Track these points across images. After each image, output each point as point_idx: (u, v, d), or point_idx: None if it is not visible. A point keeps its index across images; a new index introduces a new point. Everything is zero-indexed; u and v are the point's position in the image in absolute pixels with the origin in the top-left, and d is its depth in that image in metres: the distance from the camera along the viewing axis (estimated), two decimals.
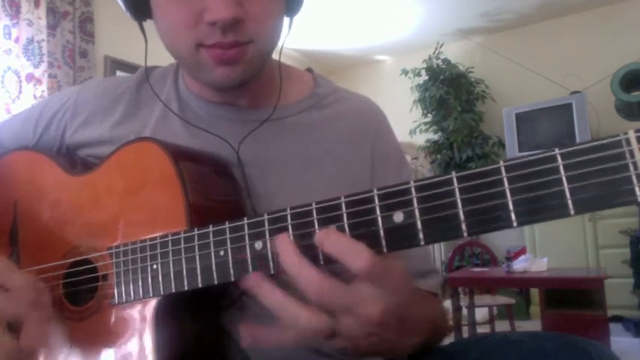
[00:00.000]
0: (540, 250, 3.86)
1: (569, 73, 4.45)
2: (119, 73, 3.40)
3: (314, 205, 0.48)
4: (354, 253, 0.43)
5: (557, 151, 0.38)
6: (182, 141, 0.68)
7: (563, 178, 0.38)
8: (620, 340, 3.18)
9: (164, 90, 0.76)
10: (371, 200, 0.45)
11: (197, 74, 0.66)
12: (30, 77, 2.97)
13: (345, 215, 0.46)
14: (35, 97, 2.95)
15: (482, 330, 3.38)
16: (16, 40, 2.98)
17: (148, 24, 0.70)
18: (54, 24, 3.04)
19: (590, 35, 4.50)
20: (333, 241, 0.44)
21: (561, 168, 0.38)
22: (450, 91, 4.58)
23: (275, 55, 0.72)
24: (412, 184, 0.44)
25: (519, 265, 2.95)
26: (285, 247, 0.46)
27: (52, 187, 0.70)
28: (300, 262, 0.45)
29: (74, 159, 0.75)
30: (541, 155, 0.39)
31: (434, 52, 4.75)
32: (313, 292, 0.44)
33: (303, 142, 0.72)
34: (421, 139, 4.75)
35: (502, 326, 3.49)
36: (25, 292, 0.55)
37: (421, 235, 0.43)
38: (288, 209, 0.49)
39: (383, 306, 0.44)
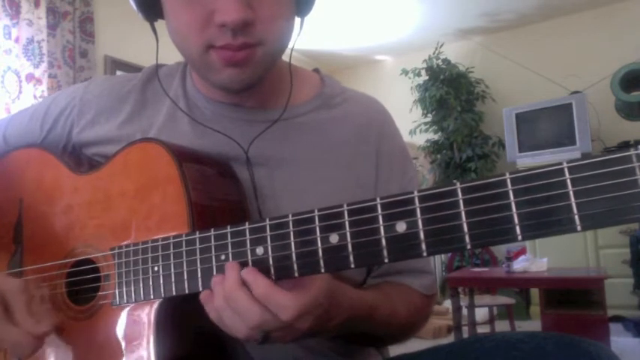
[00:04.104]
0: (540, 250, 3.85)
1: (569, 73, 4.44)
2: (119, 73, 3.39)
3: (316, 212, 0.48)
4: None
5: (565, 164, 0.37)
6: (189, 140, 0.68)
7: (571, 193, 0.37)
8: (620, 340, 3.17)
9: (171, 88, 0.76)
10: (374, 209, 0.45)
11: (206, 75, 0.66)
12: (30, 77, 2.96)
13: (347, 223, 0.46)
14: (35, 97, 2.95)
15: (482, 330, 3.38)
16: (16, 40, 2.97)
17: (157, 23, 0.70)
18: (54, 24, 3.03)
19: (590, 35, 4.49)
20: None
21: (569, 182, 0.37)
22: (450, 91, 4.56)
23: (284, 56, 0.72)
24: (416, 193, 0.43)
25: (519, 265, 2.94)
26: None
27: (57, 185, 0.70)
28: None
29: (80, 158, 0.75)
30: (548, 168, 0.38)
31: (434, 52, 4.73)
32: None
33: (311, 142, 0.72)
34: (421, 139, 4.74)
35: (502, 326, 3.49)
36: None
37: (423, 246, 0.42)
38: (290, 215, 0.49)
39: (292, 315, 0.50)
